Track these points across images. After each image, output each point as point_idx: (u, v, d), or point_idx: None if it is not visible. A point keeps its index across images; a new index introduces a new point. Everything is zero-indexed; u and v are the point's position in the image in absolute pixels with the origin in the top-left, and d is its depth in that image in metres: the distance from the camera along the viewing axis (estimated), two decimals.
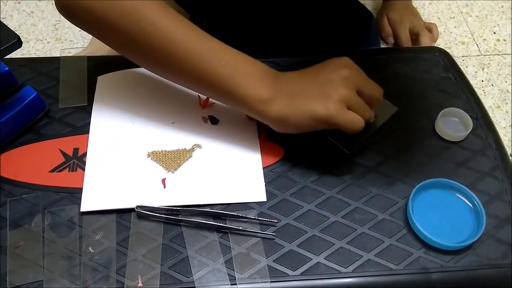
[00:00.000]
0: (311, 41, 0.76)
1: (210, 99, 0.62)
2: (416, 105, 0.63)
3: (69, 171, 0.57)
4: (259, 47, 0.73)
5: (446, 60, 0.68)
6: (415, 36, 0.95)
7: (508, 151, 0.88)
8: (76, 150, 0.58)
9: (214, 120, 0.60)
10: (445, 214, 0.53)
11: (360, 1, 0.92)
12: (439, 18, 1.08)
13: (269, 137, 0.59)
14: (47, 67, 0.66)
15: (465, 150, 0.59)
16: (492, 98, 0.95)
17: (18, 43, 0.53)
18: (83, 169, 0.56)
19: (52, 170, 0.57)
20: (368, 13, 0.90)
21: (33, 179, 0.56)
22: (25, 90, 0.59)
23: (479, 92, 0.96)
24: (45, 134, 0.60)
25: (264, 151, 0.58)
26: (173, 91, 0.63)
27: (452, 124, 0.61)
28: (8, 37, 0.52)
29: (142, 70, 0.64)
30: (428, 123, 0.61)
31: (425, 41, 0.94)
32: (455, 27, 1.07)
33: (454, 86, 0.65)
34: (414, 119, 0.62)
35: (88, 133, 0.59)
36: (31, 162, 0.57)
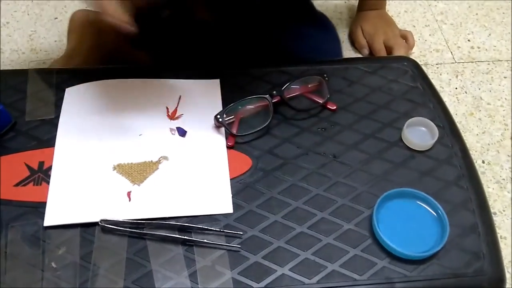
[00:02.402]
0: (270, 52, 0.76)
1: (178, 111, 0.62)
2: (383, 115, 0.64)
3: (33, 185, 0.56)
4: (215, 60, 0.73)
5: (414, 69, 0.69)
6: (390, 49, 0.96)
7: (480, 158, 0.89)
8: (41, 164, 0.58)
9: (181, 132, 0.60)
10: (410, 224, 0.54)
11: (336, 12, 0.93)
12: (414, 26, 1.09)
13: (237, 147, 0.59)
14: (15, 80, 0.65)
15: (431, 159, 0.60)
16: (466, 105, 0.96)
17: None
18: (48, 183, 0.56)
19: (17, 184, 0.56)
20: (327, 21, 0.90)
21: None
22: None
23: (452, 99, 0.97)
24: (10, 148, 0.59)
25: (232, 162, 0.58)
26: (141, 103, 0.62)
27: (419, 134, 0.61)
28: None
29: (110, 82, 0.64)
30: (395, 132, 0.62)
31: (400, 53, 0.94)
32: (430, 35, 1.08)
33: (421, 96, 0.66)
34: (381, 128, 0.62)
35: (55, 146, 0.59)
36: None
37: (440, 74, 1.01)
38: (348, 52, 0.99)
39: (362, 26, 0.97)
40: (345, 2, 1.13)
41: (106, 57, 0.78)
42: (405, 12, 1.12)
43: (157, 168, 0.57)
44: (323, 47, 0.87)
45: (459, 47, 1.06)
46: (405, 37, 0.98)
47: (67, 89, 0.64)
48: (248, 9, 0.77)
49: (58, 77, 0.66)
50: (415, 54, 1.02)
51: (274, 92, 0.61)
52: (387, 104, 0.65)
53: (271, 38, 0.80)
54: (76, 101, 0.63)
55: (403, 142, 0.61)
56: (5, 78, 0.65)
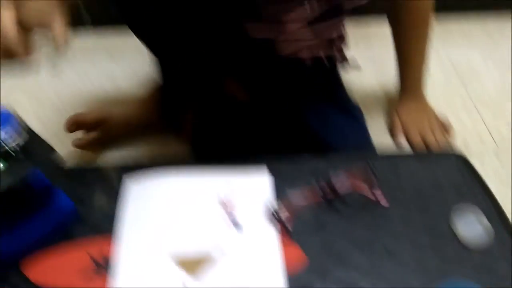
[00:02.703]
0: (300, 135, 0.78)
1: (231, 202, 0.64)
2: (432, 207, 0.65)
3: (95, 273, 0.58)
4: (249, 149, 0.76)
5: (461, 162, 0.70)
6: (425, 142, 0.93)
7: None
8: (102, 253, 0.60)
9: (235, 223, 0.62)
10: None
11: (374, 96, 0.95)
12: (451, 108, 1.11)
13: (290, 241, 0.61)
14: (77, 169, 0.70)
15: (483, 252, 0.60)
16: (508, 187, 0.95)
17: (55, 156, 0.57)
18: (110, 272, 0.58)
19: (79, 272, 0.58)
20: (357, 108, 0.92)
21: (62, 283, 0.57)
22: (60, 197, 0.63)
23: (495, 182, 0.96)
24: (72, 236, 0.62)
25: (285, 254, 0.59)
26: (196, 195, 0.65)
27: (469, 225, 0.62)
28: (48, 152, 0.56)
29: (166, 174, 0.68)
30: (445, 225, 0.62)
31: (436, 148, 0.92)
32: (468, 117, 1.10)
33: (470, 188, 0.67)
34: (431, 221, 0.63)
35: (115, 237, 0.61)
36: (60, 266, 0.59)
37: (481, 157, 1.02)
38: (385, 137, 1.01)
39: (398, 112, 0.99)
40: (380, 85, 1.16)
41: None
42: (441, 94, 1.15)
43: (214, 262, 0.59)
44: (351, 134, 0.89)
45: (498, 127, 1.07)
46: (443, 127, 0.98)
47: (125, 181, 0.68)
48: (279, 90, 0.81)
49: (117, 167, 0.70)
50: (454, 137, 1.04)
51: (325, 183, 0.63)
52: (436, 197, 0.66)
53: (300, 120, 0.83)
54: (135, 194, 0.66)
55: (454, 234, 0.61)
56: (67, 167, 0.70)
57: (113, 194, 0.66)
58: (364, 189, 0.65)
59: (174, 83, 0.94)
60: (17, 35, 0.50)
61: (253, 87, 0.98)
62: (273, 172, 0.68)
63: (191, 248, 0.60)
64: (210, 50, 0.73)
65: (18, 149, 0.55)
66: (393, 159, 0.72)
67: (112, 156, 0.90)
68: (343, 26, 0.83)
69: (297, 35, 0.75)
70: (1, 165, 0.54)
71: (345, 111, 0.90)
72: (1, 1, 0.51)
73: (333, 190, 0.63)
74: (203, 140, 0.86)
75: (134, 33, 0.80)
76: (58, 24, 0.53)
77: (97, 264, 0.59)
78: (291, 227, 0.61)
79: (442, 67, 1.22)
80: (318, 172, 0.67)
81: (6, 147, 0.54)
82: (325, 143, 0.81)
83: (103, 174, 0.69)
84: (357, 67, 0.94)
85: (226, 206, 0.64)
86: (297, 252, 0.60)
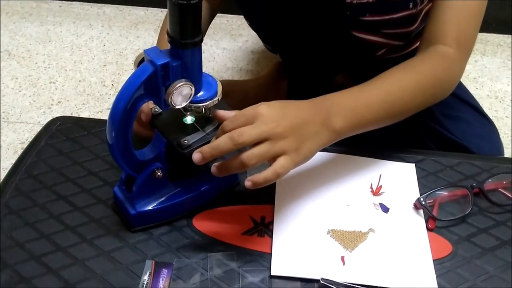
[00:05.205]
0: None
1: (379, 185, 0.70)
2: None
3: (257, 236, 0.65)
4: None
5: None
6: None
7: None
8: (263, 218, 0.67)
9: (384, 208, 0.68)
10: None
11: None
12: None
13: (436, 230, 0.65)
14: None
15: None
16: None
17: None
18: (270, 236, 0.65)
19: (244, 233, 0.66)
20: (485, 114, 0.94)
21: (227, 238, 0.65)
22: None
23: None
24: (236, 200, 0.69)
25: (431, 244, 0.64)
26: (348, 177, 0.71)
27: None
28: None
29: (321, 156, 0.73)
30: None
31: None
32: None
33: None
34: None
35: (273, 204, 0.68)
36: (225, 223, 0.67)
37: None
38: None
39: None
40: None
41: None
42: None
43: (366, 239, 0.64)
44: (480, 133, 0.91)
45: None
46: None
47: None
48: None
49: None
50: None
51: (475, 184, 0.67)
52: None
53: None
54: None
55: None
56: None
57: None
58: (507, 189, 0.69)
59: (297, 78, 1.00)
60: None
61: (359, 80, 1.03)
62: (419, 169, 0.73)
63: (344, 223, 0.65)
64: (324, 50, 0.89)
65: (208, 109, 0.61)
66: None
67: None
68: None
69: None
70: (190, 118, 0.63)
71: (474, 111, 0.93)
72: None
73: (481, 188, 0.68)
74: None
75: (264, 42, 1.04)
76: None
77: (256, 225, 0.66)
78: (436, 215, 0.66)
79: None
80: (464, 176, 0.72)
81: (199, 107, 0.60)
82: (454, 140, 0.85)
83: None
84: None
85: (376, 188, 0.69)
86: (441, 239, 0.64)
